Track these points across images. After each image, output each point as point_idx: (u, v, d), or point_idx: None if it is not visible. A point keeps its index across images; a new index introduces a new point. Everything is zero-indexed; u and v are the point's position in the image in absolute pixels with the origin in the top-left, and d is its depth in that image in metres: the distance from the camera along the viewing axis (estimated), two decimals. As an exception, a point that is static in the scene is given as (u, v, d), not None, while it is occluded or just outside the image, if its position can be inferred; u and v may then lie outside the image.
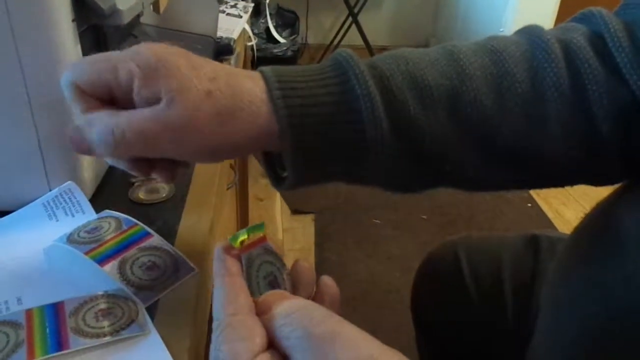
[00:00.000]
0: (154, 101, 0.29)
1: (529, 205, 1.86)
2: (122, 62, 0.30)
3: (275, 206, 1.78)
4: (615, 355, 0.34)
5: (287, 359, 0.25)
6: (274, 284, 0.31)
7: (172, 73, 0.29)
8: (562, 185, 0.38)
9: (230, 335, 0.26)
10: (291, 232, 1.67)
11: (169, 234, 0.44)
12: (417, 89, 0.32)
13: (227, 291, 0.28)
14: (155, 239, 0.41)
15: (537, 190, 1.91)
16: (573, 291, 0.38)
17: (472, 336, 0.64)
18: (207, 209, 0.48)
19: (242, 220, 1.44)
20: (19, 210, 0.46)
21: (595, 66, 0.32)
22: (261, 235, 0.31)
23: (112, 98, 0.31)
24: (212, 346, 0.27)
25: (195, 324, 0.37)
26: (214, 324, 0.27)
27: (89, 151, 0.32)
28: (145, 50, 0.30)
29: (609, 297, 0.34)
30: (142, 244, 0.40)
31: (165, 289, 0.37)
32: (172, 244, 0.42)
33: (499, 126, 0.32)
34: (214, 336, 0.27)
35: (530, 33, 0.35)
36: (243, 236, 0.31)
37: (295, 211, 1.76)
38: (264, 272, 0.31)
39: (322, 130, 0.31)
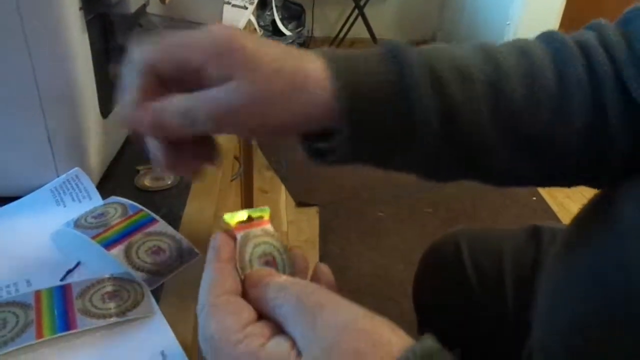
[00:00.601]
0: (224, 79, 0.30)
1: (534, 198, 1.86)
2: (195, 42, 0.31)
3: (280, 198, 1.79)
4: (613, 342, 0.34)
5: (277, 329, 0.26)
6: (270, 265, 0.31)
7: (243, 52, 0.30)
8: (569, 184, 0.40)
9: (217, 314, 0.27)
10: (296, 225, 1.68)
11: (174, 220, 0.44)
12: (462, 79, 0.34)
13: (214, 276, 0.29)
14: (161, 225, 0.42)
15: (542, 184, 1.91)
16: (572, 278, 0.39)
17: (473, 326, 0.64)
18: (211, 197, 0.49)
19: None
20: (28, 196, 0.46)
21: (608, 67, 0.35)
22: (263, 217, 0.32)
23: (179, 81, 0.32)
24: (199, 331, 0.27)
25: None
26: (198, 308, 0.28)
27: (152, 129, 0.32)
28: (218, 30, 0.31)
29: (607, 284, 0.35)
30: (148, 229, 0.41)
31: (170, 273, 0.38)
32: (177, 230, 0.43)
33: (528, 119, 0.35)
34: (199, 319, 0.27)
35: (550, 37, 0.37)
36: (242, 217, 0.32)
37: (300, 204, 1.77)
38: (260, 251, 0.31)
39: (378, 109, 0.32)
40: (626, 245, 0.34)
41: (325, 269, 0.32)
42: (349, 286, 1.43)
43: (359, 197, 1.83)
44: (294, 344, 0.25)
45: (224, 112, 0.30)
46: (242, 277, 0.29)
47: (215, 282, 0.28)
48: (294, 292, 0.26)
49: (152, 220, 0.42)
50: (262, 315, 0.27)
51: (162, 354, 0.33)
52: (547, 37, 0.38)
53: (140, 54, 0.32)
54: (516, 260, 0.63)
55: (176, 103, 0.31)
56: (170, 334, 0.34)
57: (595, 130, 0.35)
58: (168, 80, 0.32)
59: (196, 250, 0.40)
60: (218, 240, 0.30)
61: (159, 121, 0.31)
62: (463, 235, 0.69)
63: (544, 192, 1.88)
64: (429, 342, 0.24)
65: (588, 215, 0.42)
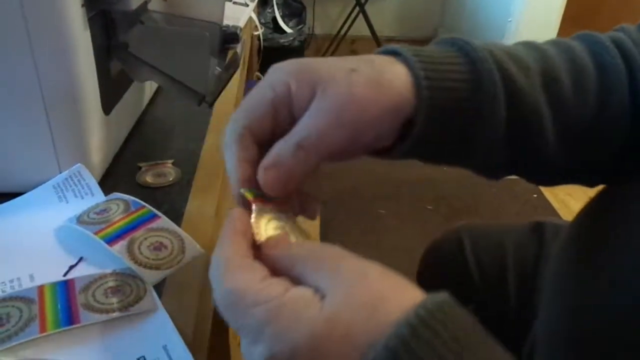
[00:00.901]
0: (310, 98, 0.30)
1: (535, 196, 1.86)
2: (273, 80, 0.31)
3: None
4: (621, 343, 0.34)
5: (295, 283, 0.26)
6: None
7: (316, 68, 0.31)
8: (613, 178, 0.40)
9: (234, 269, 0.27)
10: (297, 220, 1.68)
11: (176, 216, 0.45)
12: (519, 67, 0.34)
13: (230, 242, 0.29)
14: (163, 221, 0.42)
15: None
16: (579, 278, 0.39)
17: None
18: (213, 194, 0.49)
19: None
20: (30, 192, 0.47)
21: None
22: (279, 200, 0.32)
23: (273, 133, 0.32)
24: (214, 294, 0.27)
25: (201, 302, 0.38)
26: (211, 270, 0.28)
27: (273, 184, 0.31)
28: (286, 63, 0.32)
29: (617, 284, 0.35)
30: (150, 225, 0.41)
31: (172, 268, 0.38)
32: (179, 226, 0.43)
33: (576, 109, 0.36)
34: (213, 280, 0.27)
35: (585, 35, 0.39)
36: (261, 195, 0.32)
37: (301, 200, 1.77)
38: (274, 225, 0.31)
39: (453, 97, 0.32)
40: (637, 244, 0.34)
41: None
42: (350, 283, 1.43)
43: (360, 194, 1.83)
44: (316, 289, 0.25)
45: (326, 130, 0.30)
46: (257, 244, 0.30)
47: (230, 248, 0.28)
48: (312, 247, 0.28)
49: (154, 217, 0.42)
50: (278, 275, 0.28)
51: (165, 348, 0.33)
52: (581, 35, 0.39)
53: (234, 123, 0.32)
54: (518, 256, 0.63)
55: (284, 144, 0.31)
56: (173, 329, 0.34)
57: (634, 121, 0.36)
58: (265, 143, 0.32)
59: (198, 246, 0.40)
60: (235, 213, 0.31)
61: (276, 169, 0.31)
62: (465, 232, 0.69)
63: (545, 189, 1.88)
64: (447, 296, 0.25)
65: (592, 212, 0.42)
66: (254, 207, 0.31)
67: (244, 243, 0.29)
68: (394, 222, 1.71)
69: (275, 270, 0.28)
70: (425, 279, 0.73)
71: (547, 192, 1.87)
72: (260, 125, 0.32)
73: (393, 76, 0.31)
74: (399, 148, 0.33)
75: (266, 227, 0.31)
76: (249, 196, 0.31)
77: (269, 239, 0.30)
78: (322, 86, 0.30)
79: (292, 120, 0.31)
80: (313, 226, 1.67)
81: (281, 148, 0.30)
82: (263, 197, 0.32)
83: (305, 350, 0.23)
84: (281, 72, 0.31)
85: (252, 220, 0.30)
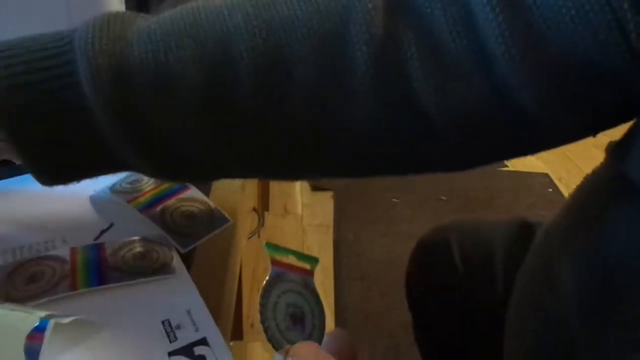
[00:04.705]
0: None
1: (550, 190, 1.85)
2: None
3: (296, 182, 1.80)
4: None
5: None
6: (296, 319, 0.28)
7: None
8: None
9: None
10: (310, 208, 1.69)
11: (204, 189, 0.46)
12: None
13: None
14: (193, 191, 0.43)
15: (559, 175, 1.90)
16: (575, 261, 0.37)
17: (467, 325, 0.63)
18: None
19: (263, 196, 1.46)
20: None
21: None
22: (307, 267, 0.29)
23: None
24: None
25: (227, 270, 0.39)
26: None
27: None
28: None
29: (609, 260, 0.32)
30: (180, 195, 0.42)
31: (202, 237, 0.40)
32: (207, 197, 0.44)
33: None
34: None
35: None
36: (285, 255, 0.29)
37: (315, 188, 1.78)
38: (291, 299, 0.28)
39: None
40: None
41: (342, 336, 0.27)
42: (361, 272, 1.44)
43: (374, 182, 1.84)
44: None
45: None
46: (260, 315, 0.27)
47: None
48: None
49: (184, 188, 0.43)
50: None
51: (189, 312, 0.34)
52: None
53: None
54: (507, 256, 0.60)
55: None
56: (197, 295, 0.35)
57: None
58: None
59: (227, 216, 0.41)
60: None
61: None
62: (453, 231, 0.66)
63: (560, 184, 1.87)
64: None
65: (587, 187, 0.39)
66: (271, 270, 0.28)
67: None
68: (408, 212, 1.71)
69: None
70: (414, 279, 0.71)
71: (562, 186, 1.87)
72: None
73: None
74: None
75: (278, 299, 0.27)
76: (272, 255, 0.28)
77: (294, 350, 0.25)
78: None
79: None
80: (327, 212, 1.68)
81: None
82: (287, 262, 0.28)
83: None
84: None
85: (263, 286, 0.27)
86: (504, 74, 0.27)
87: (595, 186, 0.35)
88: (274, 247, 0.28)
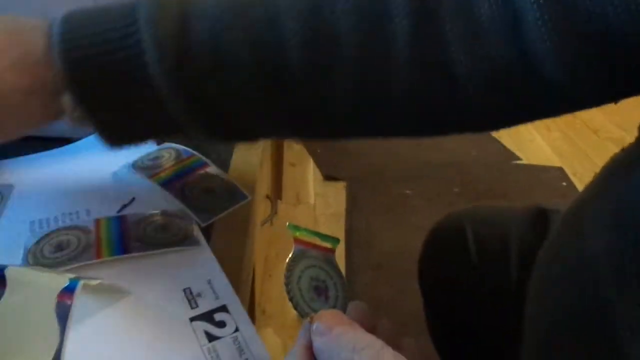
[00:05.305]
0: None
1: (564, 184, 1.84)
2: None
3: (308, 171, 1.81)
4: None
5: None
6: (320, 291, 0.29)
7: None
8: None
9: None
10: (323, 197, 1.70)
11: (222, 166, 0.47)
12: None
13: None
14: (212, 168, 0.44)
15: (574, 170, 1.89)
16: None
17: (479, 312, 0.63)
18: (257, 147, 0.51)
19: (276, 184, 1.48)
20: (91, 136, 0.49)
21: None
22: (329, 245, 0.31)
23: None
24: None
25: (245, 244, 0.40)
26: None
27: None
28: None
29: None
30: (201, 171, 0.43)
31: (221, 212, 0.41)
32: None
33: None
34: None
35: None
36: (307, 234, 0.30)
37: (328, 177, 1.79)
38: (314, 274, 0.29)
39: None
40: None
41: (363, 306, 0.29)
42: (372, 262, 1.45)
43: (387, 173, 1.84)
44: None
45: None
46: (285, 286, 0.28)
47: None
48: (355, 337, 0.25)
49: (203, 164, 0.44)
50: None
51: (209, 282, 0.36)
52: None
53: None
54: (521, 244, 0.59)
55: None
56: (217, 266, 0.37)
57: None
58: None
59: (245, 192, 0.42)
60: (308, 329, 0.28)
61: None
62: (467, 217, 0.66)
63: (575, 178, 1.86)
64: None
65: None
66: (294, 249, 0.30)
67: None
68: (420, 203, 1.72)
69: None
70: (427, 266, 0.71)
71: (576, 180, 1.85)
72: None
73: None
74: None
75: (302, 274, 0.29)
76: (294, 234, 0.30)
77: (319, 318, 0.27)
78: None
79: None
80: (339, 202, 1.69)
81: None
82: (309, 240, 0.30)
83: None
84: None
85: (287, 263, 0.29)
86: (534, 40, 0.28)
87: (626, 160, 0.36)
88: (296, 227, 0.30)
